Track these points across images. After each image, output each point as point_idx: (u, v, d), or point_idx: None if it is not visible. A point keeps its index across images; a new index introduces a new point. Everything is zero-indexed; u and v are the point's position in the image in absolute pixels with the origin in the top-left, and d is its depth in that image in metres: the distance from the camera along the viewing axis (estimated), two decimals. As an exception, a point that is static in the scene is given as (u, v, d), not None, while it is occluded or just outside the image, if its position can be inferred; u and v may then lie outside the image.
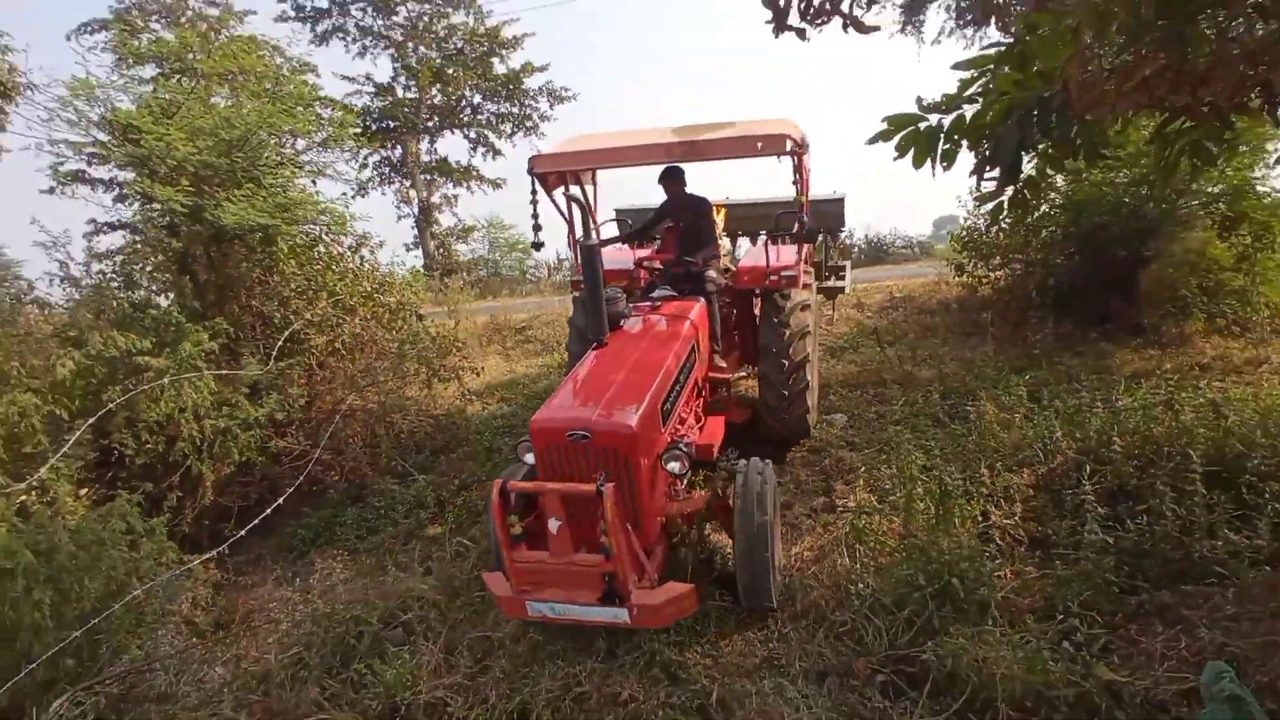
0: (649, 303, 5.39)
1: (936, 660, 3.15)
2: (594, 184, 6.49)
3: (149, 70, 7.69)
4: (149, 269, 6.70)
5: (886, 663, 3.37)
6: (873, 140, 3.18)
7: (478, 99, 25.77)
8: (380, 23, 24.46)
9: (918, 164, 3.19)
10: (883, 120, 3.13)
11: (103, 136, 6.25)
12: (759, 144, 4.73)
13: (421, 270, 22.36)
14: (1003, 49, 3.03)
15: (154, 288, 6.56)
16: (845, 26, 2.68)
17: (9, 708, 3.65)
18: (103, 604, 3.98)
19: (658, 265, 5.83)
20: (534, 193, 5.26)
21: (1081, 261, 7.68)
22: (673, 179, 5.55)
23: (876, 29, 2.77)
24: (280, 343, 5.98)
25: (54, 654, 3.73)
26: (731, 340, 6.13)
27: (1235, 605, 3.20)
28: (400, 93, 25.08)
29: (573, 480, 3.56)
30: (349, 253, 7.19)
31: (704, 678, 3.52)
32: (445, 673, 3.62)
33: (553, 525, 3.44)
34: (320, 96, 8.33)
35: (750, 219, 7.33)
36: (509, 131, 26.27)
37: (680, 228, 5.79)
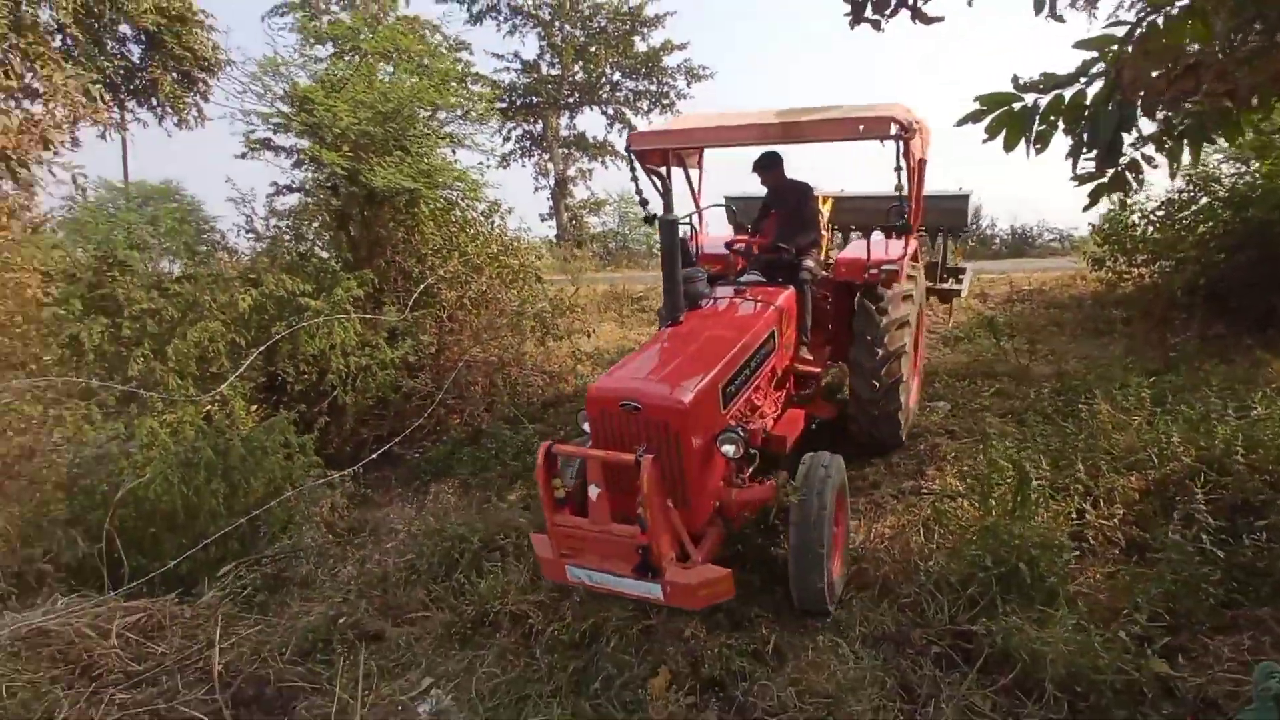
0: (734, 286, 5.21)
1: (990, 636, 3.18)
2: (700, 168, 6.36)
3: (327, 49, 8.68)
4: (315, 225, 7.65)
5: (943, 636, 3.43)
6: (962, 121, 3.14)
7: (617, 76, 26.36)
8: (529, 2, 25.39)
9: (1009, 146, 3.12)
10: (975, 100, 3.10)
11: (285, 108, 7.19)
12: (860, 126, 4.52)
13: (554, 240, 23.44)
14: (1128, 28, 2.93)
15: (317, 242, 7.50)
16: (913, 18, 2.71)
17: (187, 576, 4.49)
18: (263, 500, 4.76)
19: (753, 250, 5.55)
20: (633, 167, 5.30)
21: (1244, 260, 6.96)
22: (768, 167, 5.35)
23: (940, 19, 2.77)
24: (416, 294, 6.69)
25: (224, 535, 4.53)
26: (825, 334, 5.73)
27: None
28: (545, 69, 26.11)
29: (624, 450, 3.47)
30: (481, 217, 7.83)
31: (764, 628, 3.72)
32: (531, 591, 4.04)
33: (593, 492, 3.40)
34: (470, 73, 9.03)
35: (863, 213, 6.90)
36: (646, 109, 26.71)
37: (780, 215, 5.51)
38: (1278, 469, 4.24)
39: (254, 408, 5.66)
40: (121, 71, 14.71)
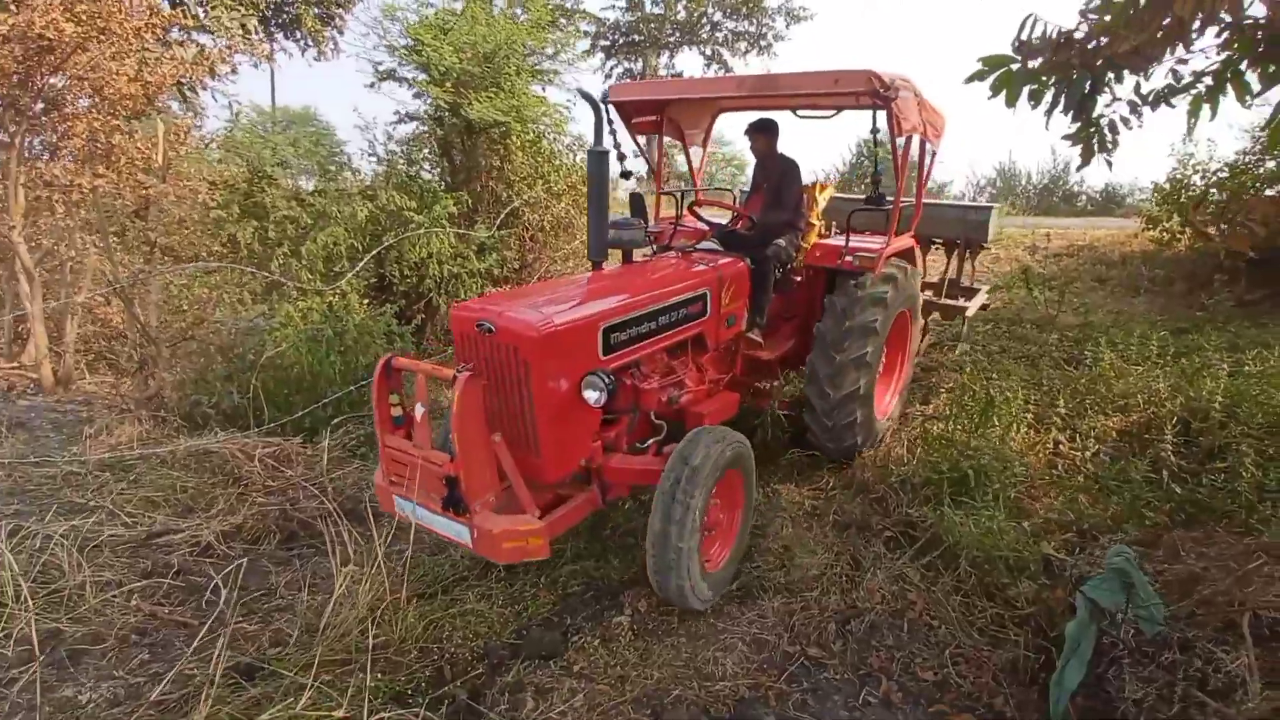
0: (682, 250, 4.59)
1: (926, 523, 3.61)
2: (704, 146, 5.84)
3: None
4: (425, 151, 8.38)
5: (897, 524, 3.88)
6: (968, 80, 3.33)
7: (718, 16, 25.64)
8: (638, -60, 24.84)
9: (1009, 103, 3.32)
10: (978, 60, 3.29)
11: (404, 43, 7.83)
12: (835, 80, 3.92)
13: (642, 176, 23.61)
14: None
15: (424, 165, 8.23)
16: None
17: (309, 428, 5.42)
18: (369, 373, 5.63)
19: (705, 217, 4.95)
20: (611, 121, 4.38)
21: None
22: (758, 131, 4.74)
23: None
24: (503, 215, 7.33)
25: (338, 398, 5.44)
26: (793, 327, 4.96)
27: (1228, 544, 3.24)
28: (648, 7, 25.70)
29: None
30: (565, 150, 8.33)
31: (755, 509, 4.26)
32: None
33: (418, 411, 2.87)
34: (577, 9, 9.27)
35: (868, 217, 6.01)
36: (744, 50, 25.98)
37: (763, 192, 4.82)
38: (1252, 420, 4.33)
39: (365, 301, 6.52)
40: (272, 7, 15.79)
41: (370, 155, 8.30)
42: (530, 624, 3.17)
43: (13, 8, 5.70)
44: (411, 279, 6.76)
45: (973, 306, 6.20)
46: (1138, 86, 3.03)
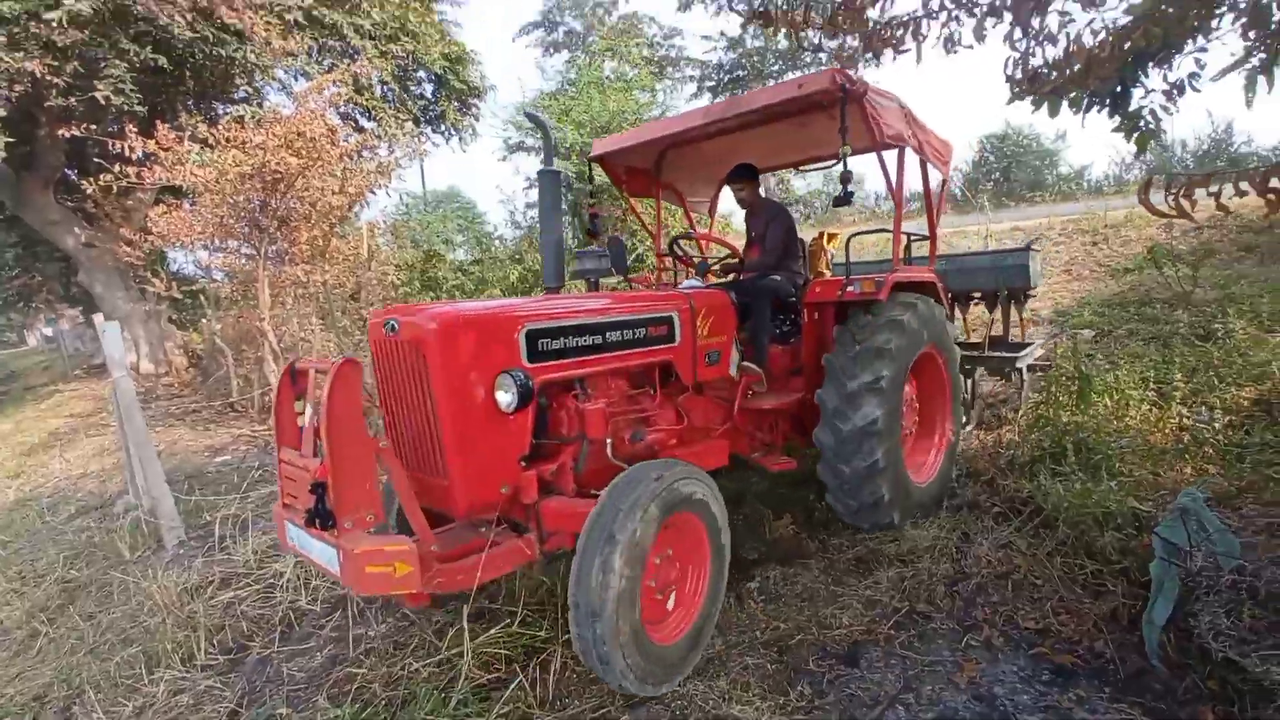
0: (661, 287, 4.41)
1: (1020, 491, 3.96)
2: (711, 215, 5.84)
3: (563, 56, 10.65)
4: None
5: (1005, 500, 4.22)
6: (1010, 101, 3.78)
7: (819, 39, 26.00)
8: (732, -18, 25.89)
9: (1052, 114, 3.73)
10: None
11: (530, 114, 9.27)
12: (800, 85, 3.64)
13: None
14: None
15: (560, 225, 9.56)
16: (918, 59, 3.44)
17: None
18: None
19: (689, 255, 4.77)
20: (591, 179, 5.02)
21: None
22: (738, 179, 4.56)
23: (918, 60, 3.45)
24: (630, 261, 8.35)
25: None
26: (805, 382, 4.30)
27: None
28: (749, 42, 26.60)
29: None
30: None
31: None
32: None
33: (308, 413, 2.51)
34: (682, 58, 10.24)
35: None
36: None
37: (755, 241, 4.61)
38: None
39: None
40: (421, 106, 18.44)
41: (511, 223, 9.78)
42: (676, 589, 3.90)
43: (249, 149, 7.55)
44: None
45: (1025, 358, 5.45)
46: (1164, 77, 3.35)
